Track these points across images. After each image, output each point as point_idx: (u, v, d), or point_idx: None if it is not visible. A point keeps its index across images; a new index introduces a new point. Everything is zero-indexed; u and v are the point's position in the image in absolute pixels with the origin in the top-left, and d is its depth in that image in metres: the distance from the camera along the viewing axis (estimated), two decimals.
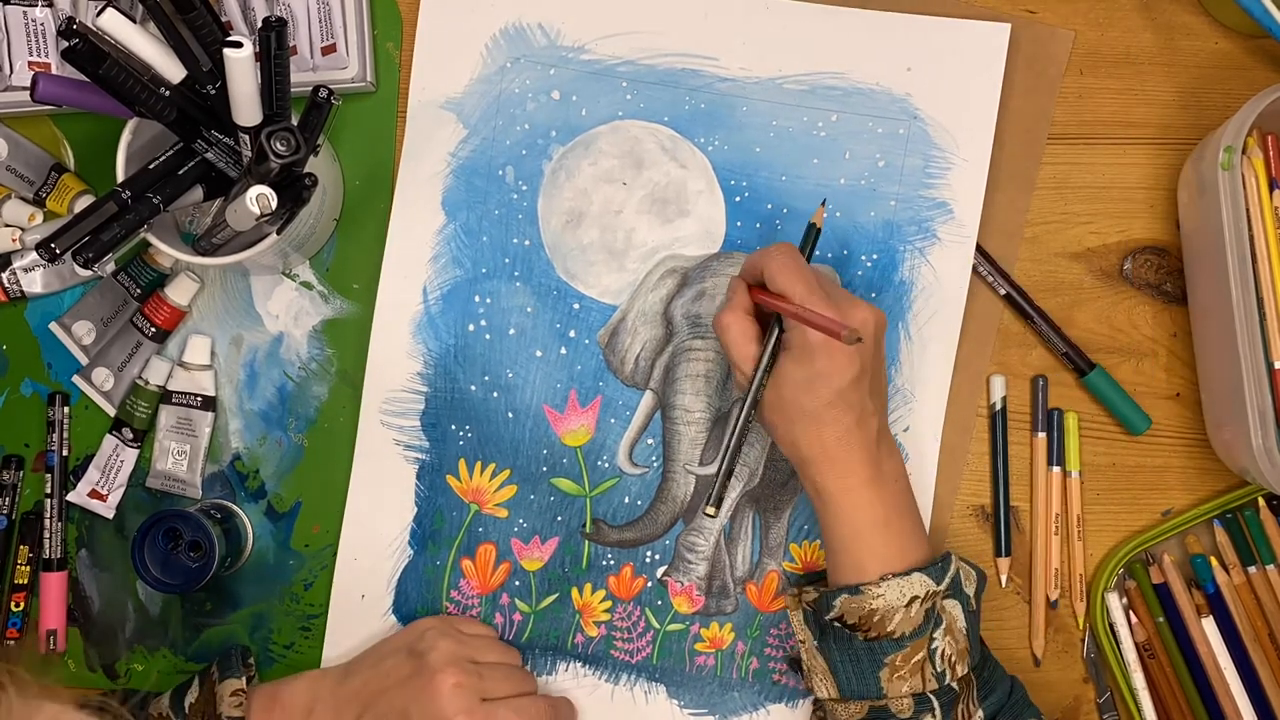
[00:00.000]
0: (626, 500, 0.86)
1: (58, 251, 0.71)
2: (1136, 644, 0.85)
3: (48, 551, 0.86)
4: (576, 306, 0.86)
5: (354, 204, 0.87)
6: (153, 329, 0.86)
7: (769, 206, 0.85)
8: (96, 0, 0.83)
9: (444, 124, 0.86)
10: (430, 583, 0.86)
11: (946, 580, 0.74)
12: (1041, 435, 0.86)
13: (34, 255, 0.86)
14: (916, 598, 0.73)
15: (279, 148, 0.70)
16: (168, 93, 0.73)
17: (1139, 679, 0.84)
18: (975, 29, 0.84)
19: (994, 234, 0.86)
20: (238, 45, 0.69)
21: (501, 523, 0.86)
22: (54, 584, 0.86)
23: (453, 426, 0.86)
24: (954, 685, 0.73)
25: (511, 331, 0.86)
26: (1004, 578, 0.86)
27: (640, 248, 0.86)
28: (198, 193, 0.78)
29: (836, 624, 0.74)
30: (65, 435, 0.87)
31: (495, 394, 0.86)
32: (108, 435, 0.87)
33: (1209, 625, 0.84)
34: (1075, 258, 0.86)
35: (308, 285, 0.87)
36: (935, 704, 0.72)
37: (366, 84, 0.86)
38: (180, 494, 0.87)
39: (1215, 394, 0.82)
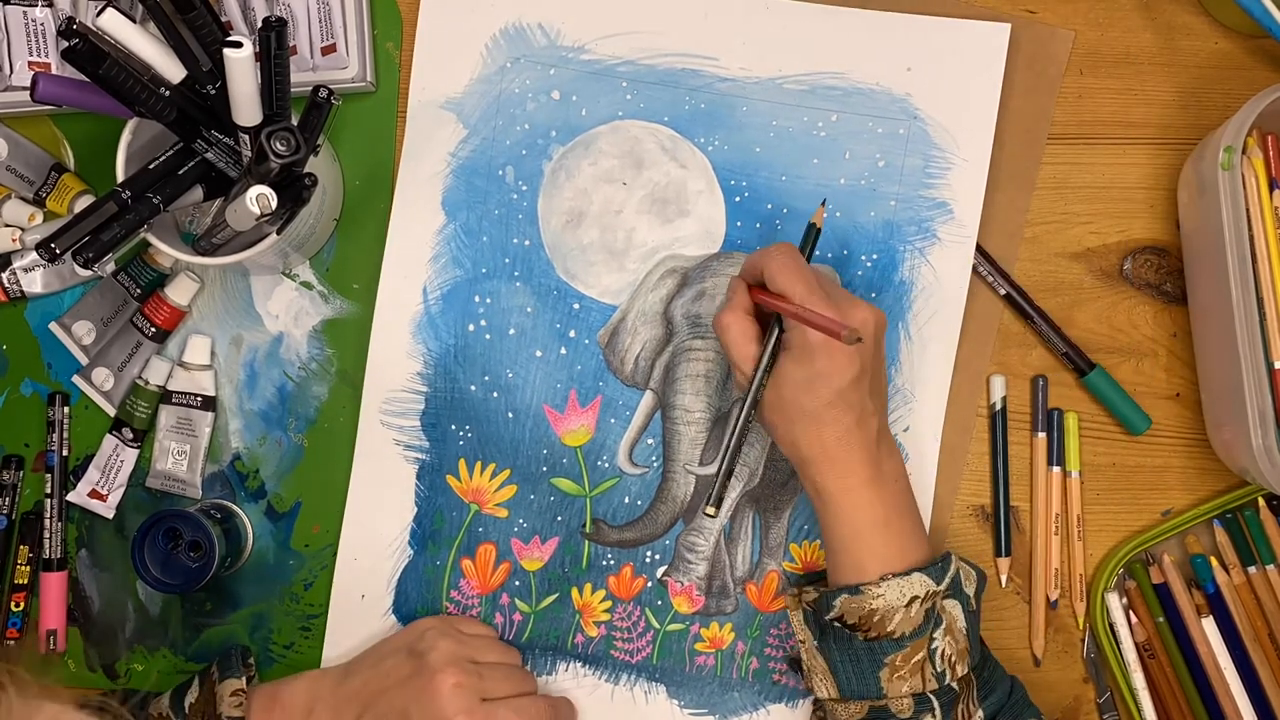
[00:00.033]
0: (626, 500, 0.86)
1: (58, 251, 0.71)
2: (1136, 644, 0.85)
3: (48, 551, 0.86)
4: (576, 306, 0.86)
5: (354, 204, 0.87)
6: (153, 329, 0.86)
7: (769, 206, 0.85)
8: (96, 0, 0.83)
9: (444, 124, 0.86)
10: (430, 583, 0.86)
11: (946, 580, 0.74)
12: (1041, 435, 0.86)
13: (34, 255, 0.86)
14: (916, 598, 0.73)
15: (279, 148, 0.70)
16: (168, 93, 0.73)
17: (1139, 679, 0.84)
18: (975, 29, 0.84)
19: (994, 234, 0.86)
20: (238, 45, 0.69)
21: (501, 523, 0.86)
22: (54, 584, 0.86)
23: (453, 426, 0.86)
24: (954, 685, 0.73)
25: (511, 331, 0.86)
26: (1004, 578, 0.86)
27: (640, 248, 0.86)
28: (198, 193, 0.78)
29: (836, 624, 0.74)
30: (65, 435, 0.87)
31: (495, 394, 0.86)
32: (108, 435, 0.87)
33: (1209, 625, 0.84)
34: (1075, 258, 0.86)
35: (308, 285, 0.87)
36: (935, 704, 0.72)
37: (366, 84, 0.86)
38: (180, 494, 0.87)
39: (1215, 394, 0.82)
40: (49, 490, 0.87)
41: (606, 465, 0.86)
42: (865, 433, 0.74)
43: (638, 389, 0.86)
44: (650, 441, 0.86)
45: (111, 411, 0.87)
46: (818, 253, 0.82)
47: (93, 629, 0.88)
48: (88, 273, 0.86)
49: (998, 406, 0.85)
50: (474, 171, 0.86)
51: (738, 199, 0.85)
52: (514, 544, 0.86)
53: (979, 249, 0.85)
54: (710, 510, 0.75)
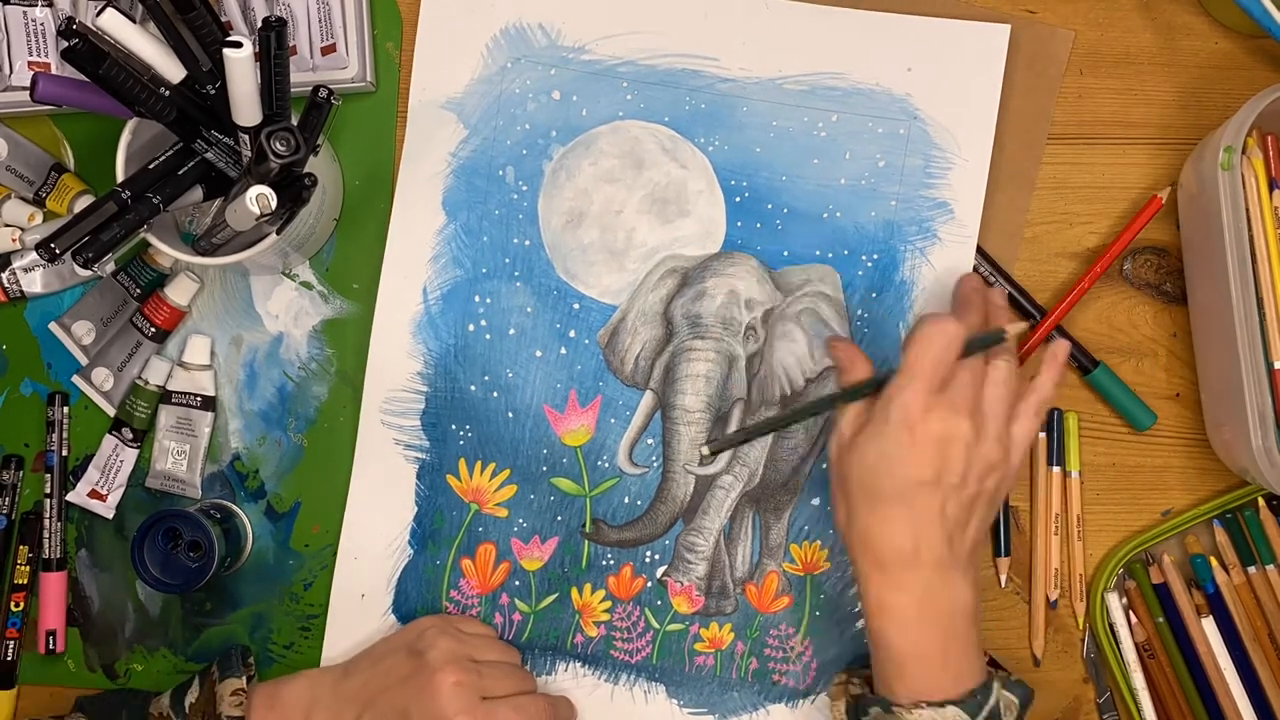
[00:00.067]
0: (626, 500, 0.86)
1: (58, 251, 0.71)
2: (1136, 644, 0.85)
3: (47, 551, 0.86)
4: (576, 306, 0.86)
5: (354, 204, 0.87)
6: (152, 329, 0.86)
7: (769, 207, 0.85)
8: (96, 0, 0.83)
9: (444, 124, 0.86)
10: (430, 582, 0.86)
11: (984, 715, 0.70)
12: (1041, 435, 0.86)
13: (34, 255, 0.86)
14: None
15: (279, 148, 0.70)
16: (168, 93, 0.73)
17: (1139, 679, 0.84)
18: (975, 29, 0.84)
19: (994, 234, 0.86)
20: (238, 45, 0.68)
21: (501, 522, 0.86)
22: (53, 584, 0.86)
23: (453, 426, 0.86)
24: None
25: (511, 331, 0.86)
26: (1004, 578, 0.86)
27: (640, 248, 0.86)
28: (198, 193, 0.78)
29: None
30: (65, 435, 0.87)
31: (495, 394, 0.86)
32: (107, 435, 0.87)
33: (1209, 625, 0.84)
34: (1075, 258, 0.86)
35: (308, 285, 0.87)
36: None
37: (366, 84, 0.86)
38: (180, 494, 0.87)
39: (1215, 394, 0.82)
40: (48, 490, 0.87)
41: (606, 465, 0.86)
42: (933, 552, 0.70)
43: (638, 389, 0.86)
44: (650, 441, 0.86)
45: (111, 411, 0.87)
46: (816, 253, 0.82)
47: (92, 629, 0.88)
48: (87, 273, 0.86)
49: None
50: (474, 171, 0.86)
51: (738, 199, 0.85)
52: (514, 544, 0.86)
53: (979, 249, 0.85)
54: (705, 450, 0.75)
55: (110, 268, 0.85)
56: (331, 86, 0.76)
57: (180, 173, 0.77)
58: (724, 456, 0.85)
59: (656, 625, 0.86)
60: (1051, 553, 0.85)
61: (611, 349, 0.86)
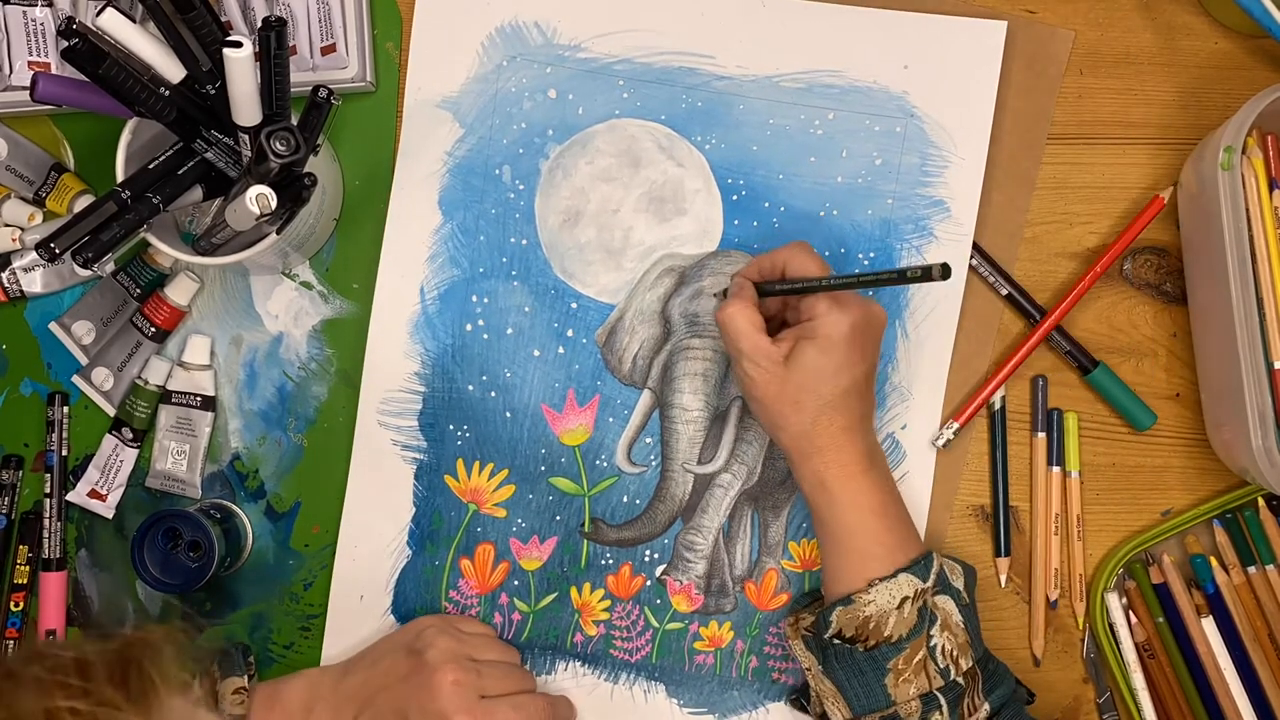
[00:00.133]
0: (625, 499, 0.86)
1: (57, 251, 0.72)
2: (1136, 644, 0.84)
3: (47, 551, 0.87)
4: (574, 305, 0.86)
5: (354, 204, 0.87)
6: (152, 329, 0.86)
7: (766, 205, 0.85)
8: (96, 0, 0.83)
9: (440, 123, 0.86)
10: (429, 583, 0.86)
11: (932, 576, 0.75)
12: (1041, 435, 0.85)
13: (34, 255, 0.86)
14: (906, 598, 0.73)
15: (279, 148, 0.70)
16: (168, 93, 0.73)
17: (1139, 679, 0.84)
18: (972, 27, 0.84)
19: (994, 234, 0.86)
20: (238, 45, 0.69)
21: (500, 522, 0.86)
22: (53, 584, 0.87)
23: (450, 426, 0.86)
24: (959, 680, 0.73)
25: (509, 331, 0.86)
26: (1004, 578, 0.86)
27: (638, 246, 0.86)
28: (197, 193, 0.79)
29: (836, 641, 0.75)
30: (65, 435, 0.87)
31: (493, 394, 0.86)
32: (107, 435, 0.87)
33: (1209, 625, 0.83)
34: (1075, 258, 0.86)
35: (307, 285, 0.87)
36: (942, 701, 0.72)
37: (366, 84, 0.86)
38: (180, 494, 0.87)
39: (1215, 394, 0.82)
40: (48, 490, 0.87)
41: (605, 464, 0.86)
42: (868, 423, 0.77)
43: (636, 388, 0.86)
44: (648, 440, 0.86)
45: (111, 411, 0.87)
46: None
47: (92, 629, 0.88)
48: (87, 273, 0.86)
49: (997, 406, 0.85)
50: (471, 171, 0.86)
51: (735, 197, 0.85)
52: (513, 543, 0.86)
53: (979, 249, 0.85)
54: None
55: (110, 268, 0.85)
56: (331, 86, 0.77)
57: (180, 173, 0.77)
58: (722, 454, 0.85)
59: (656, 624, 0.86)
60: (1051, 553, 0.85)
61: (609, 348, 0.86)
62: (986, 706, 0.73)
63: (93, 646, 0.52)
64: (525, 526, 0.86)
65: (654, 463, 0.86)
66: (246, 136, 0.74)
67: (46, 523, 0.87)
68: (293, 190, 0.75)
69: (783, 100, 0.85)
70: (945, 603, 0.75)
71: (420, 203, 0.86)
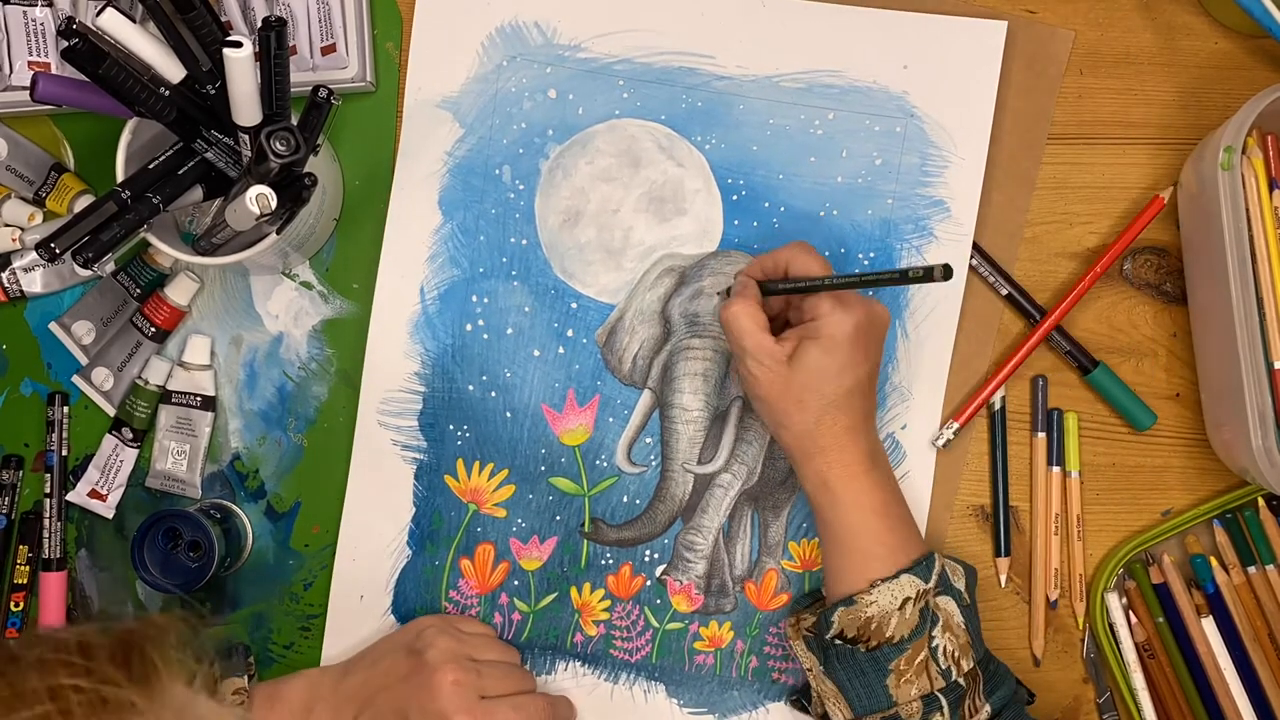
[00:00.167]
0: (625, 499, 0.86)
1: (57, 251, 0.72)
2: (1136, 644, 0.84)
3: (47, 551, 0.87)
4: (574, 305, 0.86)
5: (354, 204, 0.87)
6: (152, 329, 0.86)
7: (766, 205, 0.85)
8: (96, 0, 0.83)
9: (440, 123, 0.86)
10: (429, 583, 0.86)
11: (934, 577, 0.75)
12: (1041, 435, 0.85)
13: (34, 255, 0.86)
14: (908, 599, 0.73)
15: (279, 148, 0.70)
16: (168, 93, 0.73)
17: (1139, 679, 0.84)
18: (972, 26, 0.84)
19: (994, 234, 0.86)
20: (238, 45, 0.69)
21: (500, 522, 0.86)
22: (53, 584, 0.87)
23: (450, 426, 0.86)
24: (960, 681, 0.73)
25: (509, 331, 0.86)
26: (1004, 578, 0.86)
27: (638, 246, 0.86)
28: (197, 193, 0.79)
29: (838, 641, 0.75)
30: (65, 435, 0.87)
31: (493, 394, 0.86)
32: (107, 435, 0.87)
33: (1209, 625, 0.83)
34: (1075, 258, 0.86)
35: (307, 285, 0.87)
36: (943, 702, 0.72)
37: (366, 84, 0.86)
38: (180, 494, 0.87)
39: (1215, 394, 0.82)
40: (48, 490, 0.87)
41: (605, 464, 0.86)
42: (870, 423, 0.77)
43: (636, 388, 0.86)
44: (648, 440, 0.86)
45: (111, 411, 0.87)
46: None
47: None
48: (87, 273, 0.86)
49: (997, 406, 0.85)
50: (471, 171, 0.86)
51: (735, 197, 0.85)
52: (513, 543, 0.86)
53: (979, 249, 0.85)
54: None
55: (110, 268, 0.86)
56: (331, 86, 0.77)
57: (180, 173, 0.77)
58: (722, 454, 0.85)
59: (656, 624, 0.86)
60: (1051, 553, 0.85)
61: (609, 348, 0.86)
62: (988, 708, 0.73)
63: (95, 631, 0.52)
64: (525, 526, 0.86)
65: (654, 463, 0.86)
66: (246, 136, 0.74)
67: (46, 523, 0.87)
68: (293, 190, 0.75)
69: (783, 100, 0.85)
70: (947, 603, 0.75)
71: (420, 203, 0.86)
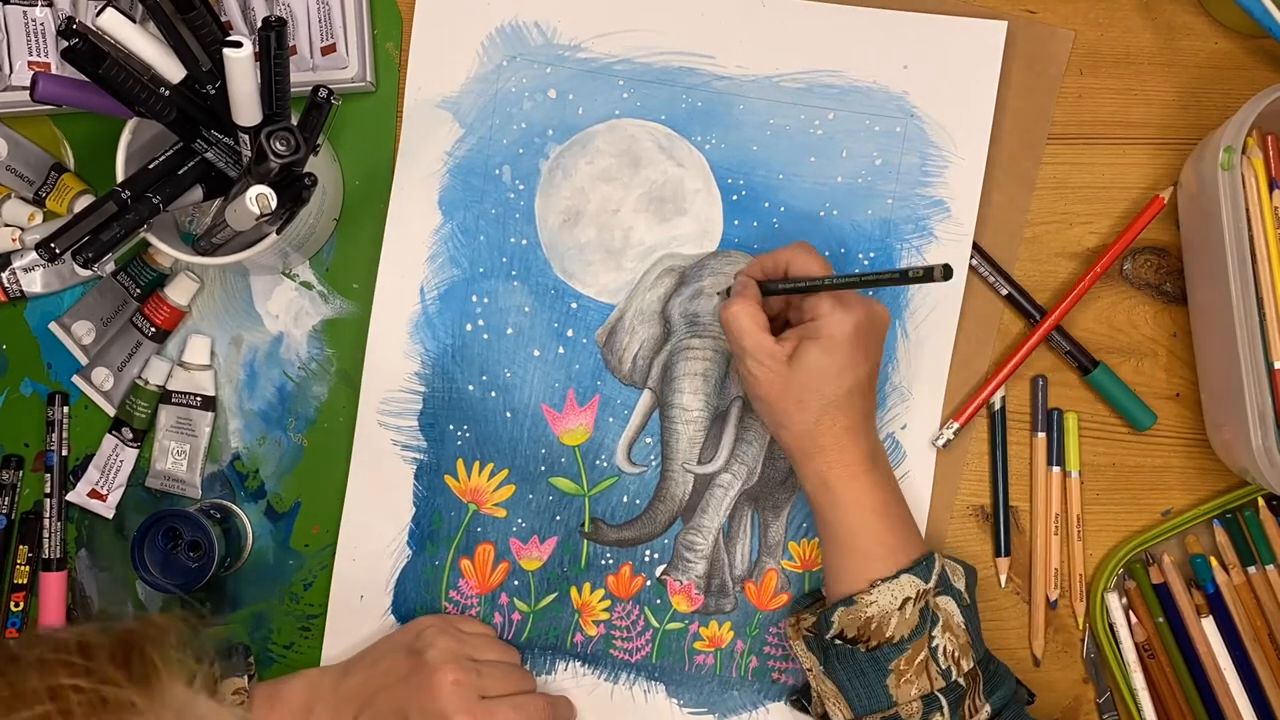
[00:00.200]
0: (625, 499, 0.86)
1: (57, 251, 0.72)
2: (1136, 644, 0.84)
3: (47, 551, 0.87)
4: (574, 305, 0.86)
5: (354, 204, 0.87)
6: (152, 329, 0.86)
7: (766, 205, 0.85)
8: (96, 0, 0.83)
9: (440, 123, 0.86)
10: (429, 583, 0.86)
11: (934, 577, 0.75)
12: (1041, 435, 0.85)
13: (34, 255, 0.86)
14: (908, 599, 0.73)
15: (279, 148, 0.70)
16: (168, 93, 0.73)
17: (1139, 679, 0.84)
18: (972, 27, 0.84)
19: (994, 234, 0.86)
20: (238, 45, 0.69)
21: (500, 522, 0.86)
22: (53, 584, 0.87)
23: (450, 426, 0.86)
24: (960, 681, 0.73)
25: (509, 331, 0.86)
26: (1004, 578, 0.86)
27: (638, 246, 0.86)
28: (197, 193, 0.79)
29: (838, 641, 0.75)
30: (65, 435, 0.87)
31: (493, 394, 0.86)
32: (107, 435, 0.87)
33: (1209, 625, 0.83)
34: (1075, 258, 0.86)
35: (307, 285, 0.87)
36: (943, 702, 0.72)
37: (366, 84, 0.86)
38: (180, 494, 0.87)
39: (1215, 394, 0.82)
40: (48, 490, 0.87)
41: (605, 464, 0.86)
42: (870, 423, 0.77)
43: (636, 388, 0.86)
44: (648, 440, 0.86)
45: (111, 411, 0.87)
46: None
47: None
48: (87, 273, 0.86)
49: (997, 406, 0.85)
50: (471, 171, 0.86)
51: (735, 197, 0.85)
52: (513, 543, 0.86)
53: (979, 250, 0.85)
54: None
55: (110, 268, 0.86)
56: (331, 86, 0.77)
57: (180, 173, 0.77)
58: (722, 454, 0.85)
59: (656, 624, 0.86)
60: (1051, 553, 0.85)
61: (609, 348, 0.86)
62: (988, 708, 0.73)
63: (95, 631, 0.53)
64: (525, 526, 0.86)
65: (654, 463, 0.86)
66: (246, 136, 0.74)
67: (46, 523, 0.87)
68: (293, 190, 0.75)
69: (783, 100, 0.85)
70: (947, 603, 0.75)
71: (420, 203, 0.86)
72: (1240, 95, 0.83)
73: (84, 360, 0.87)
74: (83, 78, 0.71)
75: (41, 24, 0.83)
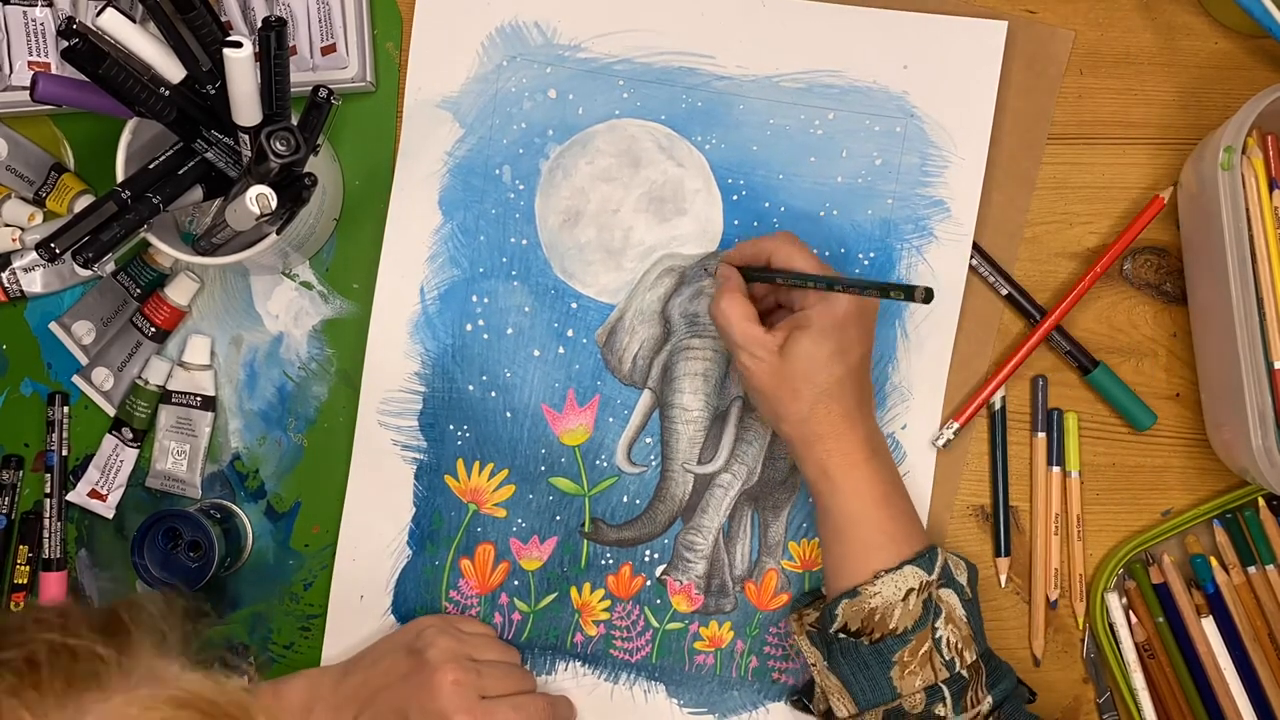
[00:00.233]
0: (625, 499, 0.86)
1: (58, 251, 0.72)
2: (1136, 644, 0.84)
3: (47, 551, 0.87)
4: (574, 305, 0.86)
5: (354, 204, 0.87)
6: (153, 329, 0.86)
7: (766, 205, 0.85)
8: (96, 0, 0.83)
9: (440, 123, 0.86)
10: (429, 583, 0.86)
11: (937, 569, 0.75)
12: (1041, 435, 0.85)
13: (34, 255, 0.86)
14: (912, 590, 0.73)
15: (279, 148, 0.70)
16: (168, 93, 0.73)
17: (1139, 679, 0.84)
18: (972, 26, 0.84)
19: (994, 234, 0.86)
20: (238, 45, 0.69)
21: (500, 522, 0.86)
22: (53, 584, 0.87)
23: (450, 426, 0.86)
24: (964, 673, 0.73)
25: (509, 331, 0.86)
26: (1004, 578, 0.86)
27: (638, 246, 0.86)
28: (198, 193, 0.79)
29: (842, 635, 0.75)
30: (65, 435, 0.87)
31: (493, 394, 0.86)
32: (107, 435, 0.87)
33: (1209, 625, 0.83)
34: (1075, 258, 0.86)
35: (307, 285, 0.87)
36: (946, 693, 0.73)
37: (366, 84, 0.86)
38: (180, 494, 0.87)
39: (1215, 394, 0.82)
40: (48, 490, 0.87)
41: (605, 464, 0.86)
42: (866, 410, 0.77)
43: (636, 388, 0.86)
44: (649, 440, 0.86)
45: (111, 411, 0.87)
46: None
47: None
48: (88, 273, 0.86)
49: (997, 406, 0.85)
50: (471, 171, 0.86)
51: (735, 197, 0.85)
52: (513, 543, 0.86)
53: (979, 250, 0.85)
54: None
55: (110, 268, 0.86)
56: (331, 86, 0.77)
57: (180, 173, 0.77)
58: (722, 454, 0.85)
59: (656, 624, 0.86)
60: (1051, 553, 0.85)
61: (609, 348, 0.86)
62: (989, 700, 0.73)
63: (75, 602, 0.53)
64: (525, 526, 0.86)
65: (654, 463, 0.86)
66: (246, 136, 0.74)
67: (46, 523, 0.87)
68: (293, 190, 0.75)
69: (783, 100, 0.85)
70: (949, 596, 0.75)
71: (420, 203, 0.86)
72: (1240, 95, 0.83)
73: (84, 360, 0.87)
74: (83, 78, 0.71)
75: (41, 24, 0.83)
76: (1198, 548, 0.85)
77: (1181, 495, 0.86)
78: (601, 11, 0.85)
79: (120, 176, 0.78)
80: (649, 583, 0.86)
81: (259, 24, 0.72)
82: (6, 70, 0.84)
